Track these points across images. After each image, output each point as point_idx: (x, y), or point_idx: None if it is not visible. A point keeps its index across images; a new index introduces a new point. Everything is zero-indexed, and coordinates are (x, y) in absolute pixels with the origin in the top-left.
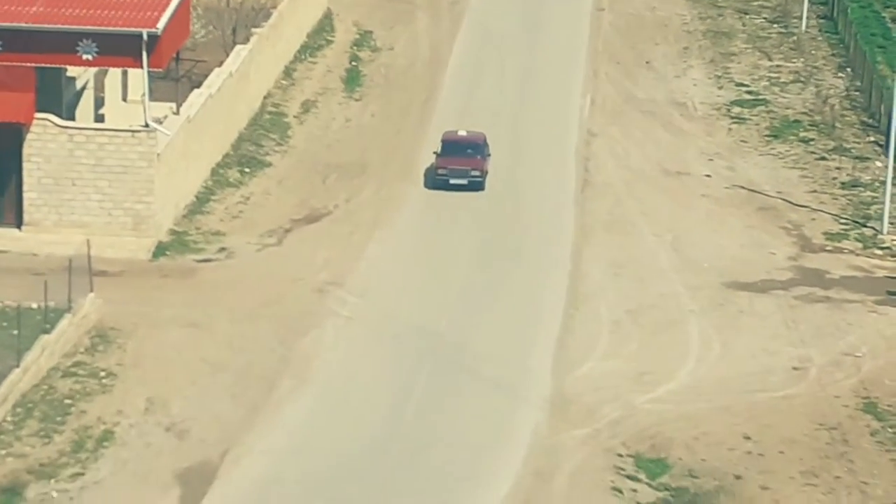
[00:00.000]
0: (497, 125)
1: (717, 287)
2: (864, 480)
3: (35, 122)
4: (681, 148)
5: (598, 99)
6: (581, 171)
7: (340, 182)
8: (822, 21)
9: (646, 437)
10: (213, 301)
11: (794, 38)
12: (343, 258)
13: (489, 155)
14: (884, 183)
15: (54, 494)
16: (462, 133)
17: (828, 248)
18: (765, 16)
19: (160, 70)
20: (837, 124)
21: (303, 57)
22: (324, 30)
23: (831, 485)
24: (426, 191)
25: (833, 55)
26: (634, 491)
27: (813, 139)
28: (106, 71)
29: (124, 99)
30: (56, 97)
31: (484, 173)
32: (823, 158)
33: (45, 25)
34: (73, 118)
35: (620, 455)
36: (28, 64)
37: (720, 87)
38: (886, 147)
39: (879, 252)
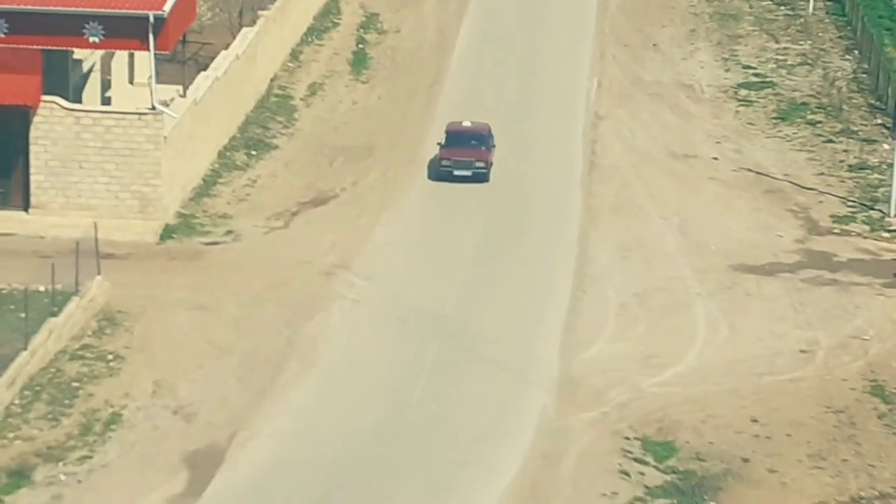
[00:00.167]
0: (503, 108)
1: (725, 270)
2: (872, 463)
3: (42, 104)
4: (688, 130)
5: (604, 81)
6: (588, 154)
7: (347, 165)
8: (829, 3)
9: (653, 420)
10: (220, 284)
11: (802, 20)
12: (350, 241)
13: (494, 146)
14: (891, 165)
15: (62, 477)
16: (466, 124)
17: (835, 230)
18: None
19: (167, 53)
20: (845, 107)
21: (309, 39)
22: (330, 12)
23: (839, 467)
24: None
25: (840, 37)
26: (642, 474)
27: (820, 122)
28: (112, 53)
29: (131, 81)
30: (63, 80)
31: (488, 165)
32: (831, 141)
33: (52, 8)
34: (79, 101)
35: (628, 438)
36: (35, 46)
37: (727, 70)
38: (894, 129)
39: (887, 235)
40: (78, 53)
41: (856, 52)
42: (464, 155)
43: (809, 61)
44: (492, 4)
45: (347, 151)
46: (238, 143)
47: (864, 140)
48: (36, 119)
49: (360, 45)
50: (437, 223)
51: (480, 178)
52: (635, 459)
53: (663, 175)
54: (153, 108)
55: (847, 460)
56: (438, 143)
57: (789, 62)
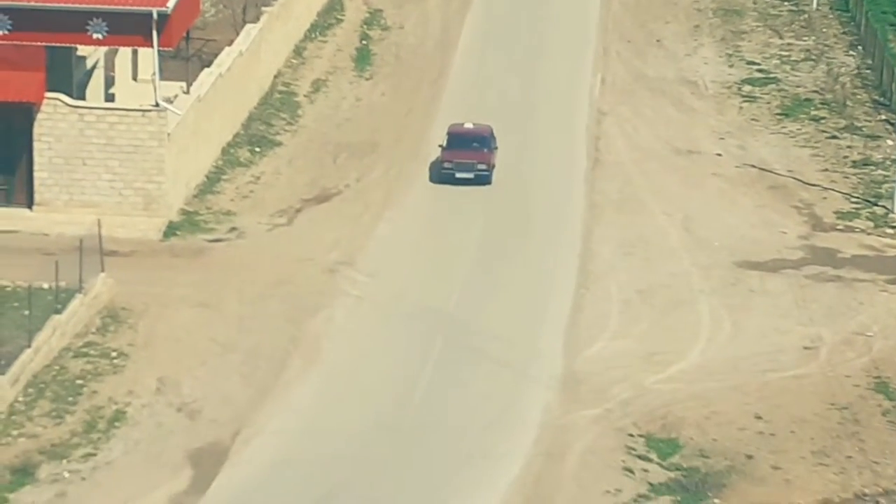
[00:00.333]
0: (506, 104)
1: (728, 266)
2: (876, 460)
3: (45, 101)
4: (691, 127)
5: (608, 78)
6: (591, 150)
7: (351, 161)
8: None
9: (657, 416)
10: (223, 281)
11: (805, 15)
12: (353, 238)
13: (496, 148)
14: (895, 161)
15: (66, 475)
16: (468, 126)
17: (839, 227)
18: None
19: (170, 49)
20: (848, 103)
21: (313, 36)
22: (334, 8)
23: (842, 464)
24: None
25: (844, 33)
26: (645, 471)
27: (824, 118)
28: (116, 50)
29: (134, 78)
30: (66, 76)
31: (491, 167)
32: (834, 137)
33: (56, 4)
34: (83, 98)
35: (631, 435)
36: (38, 43)
37: (731, 66)
38: None
39: (890, 231)
40: (81, 50)
41: (860, 47)
42: (466, 157)
43: (813, 57)
44: (495, 1)
45: (351, 148)
46: (241, 140)
47: (868, 136)
48: (39, 116)
49: (364, 42)
50: (440, 220)
51: (482, 180)
52: (639, 456)
53: (667, 171)
54: (157, 104)
55: (851, 457)
56: (440, 146)
57: (793, 58)
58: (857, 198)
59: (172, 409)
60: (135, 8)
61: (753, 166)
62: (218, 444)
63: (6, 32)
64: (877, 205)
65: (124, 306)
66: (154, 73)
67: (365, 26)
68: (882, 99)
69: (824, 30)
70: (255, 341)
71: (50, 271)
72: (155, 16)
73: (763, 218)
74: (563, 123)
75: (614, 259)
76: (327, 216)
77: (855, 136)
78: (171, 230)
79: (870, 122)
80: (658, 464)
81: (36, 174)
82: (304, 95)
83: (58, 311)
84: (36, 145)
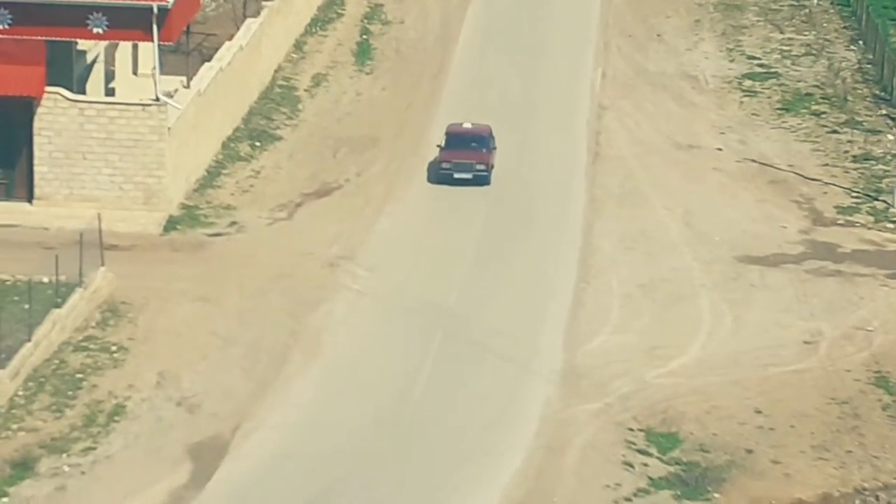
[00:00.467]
0: (507, 99)
1: (729, 261)
2: (875, 454)
3: (46, 95)
4: (692, 121)
5: (609, 72)
6: (592, 145)
7: (351, 156)
8: None
9: (657, 411)
10: (223, 275)
11: (806, 10)
12: (354, 232)
13: (495, 148)
14: (895, 156)
15: (66, 469)
16: (467, 125)
17: (839, 221)
18: None
19: (171, 43)
20: (849, 97)
21: (313, 30)
22: (334, 3)
23: (842, 459)
24: None
25: (845, 28)
26: (645, 465)
27: (825, 112)
28: (116, 44)
29: (135, 72)
30: (66, 71)
31: (489, 167)
32: (835, 132)
33: None
34: (83, 92)
35: (632, 429)
36: (38, 37)
37: (732, 60)
38: None
39: (891, 226)
40: (82, 44)
41: (860, 42)
42: (464, 157)
43: (814, 52)
44: None
45: (351, 142)
46: (242, 134)
47: (868, 131)
48: (40, 110)
49: (364, 36)
50: (440, 214)
51: (481, 181)
52: (639, 451)
53: (668, 166)
54: (157, 99)
55: (851, 451)
56: (438, 146)
57: (794, 53)
58: (858, 192)
59: (172, 404)
60: (135, 2)
61: (754, 161)
62: (218, 438)
63: (6, 27)
64: (877, 199)
65: (124, 300)
66: (154, 68)
67: (365, 21)
68: (883, 94)
69: (825, 24)
70: (256, 335)
71: (50, 265)
72: (155, 10)
73: (764, 212)
74: (563, 118)
75: (615, 253)
76: (328, 210)
77: (855, 131)
78: (171, 224)
79: (870, 116)
80: (658, 458)
81: (36, 168)
82: (305, 90)
83: (58, 305)
84: (36, 139)
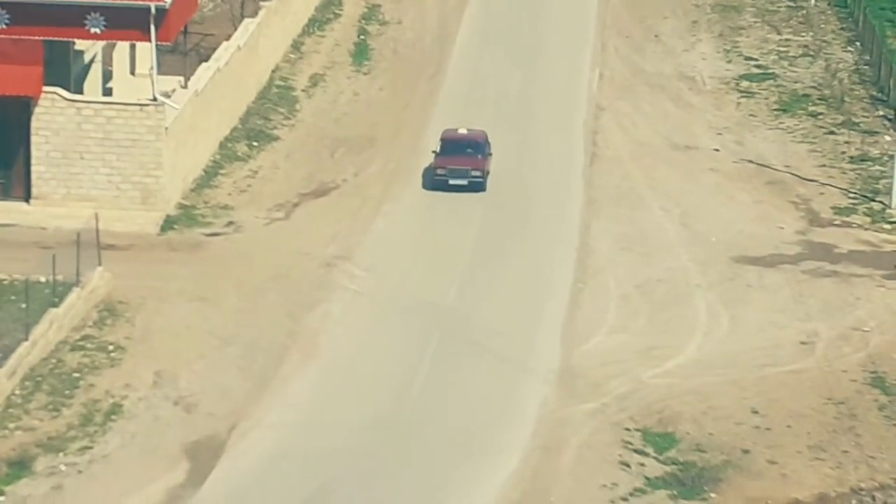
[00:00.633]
0: (505, 99)
1: (726, 261)
2: (872, 455)
3: (43, 95)
4: (689, 122)
5: (606, 73)
6: (589, 145)
7: (348, 156)
8: None
9: (653, 411)
10: (220, 275)
11: (804, 11)
12: (351, 232)
13: (490, 154)
14: (892, 157)
15: (63, 468)
16: (462, 131)
17: (836, 222)
18: None
19: (168, 44)
20: (846, 98)
21: (311, 30)
22: (332, 3)
23: (839, 459)
24: None
25: (842, 29)
26: (642, 465)
27: (822, 113)
28: (114, 44)
29: (132, 72)
30: (64, 71)
31: (485, 173)
32: (832, 133)
33: None
34: (81, 92)
35: (628, 429)
36: (36, 37)
37: (729, 61)
38: (895, 121)
39: (888, 226)
40: (79, 44)
41: (857, 43)
42: (459, 163)
43: (811, 53)
44: None
45: (349, 142)
46: (239, 134)
47: (865, 132)
48: (37, 110)
49: (362, 37)
50: (438, 214)
51: (476, 187)
52: (635, 450)
53: (664, 166)
54: (154, 99)
55: (847, 452)
56: (433, 152)
57: (791, 54)
58: (855, 193)
59: (169, 403)
60: (133, 2)
61: (751, 161)
62: (215, 437)
63: (4, 26)
64: (874, 200)
65: (121, 300)
66: (152, 68)
67: (363, 21)
68: (880, 95)
69: (822, 26)
70: (253, 335)
71: (47, 265)
72: (153, 10)
73: (760, 213)
74: (561, 118)
75: (612, 254)
76: (325, 210)
77: (852, 132)
78: (168, 224)
79: (867, 117)
80: (654, 458)
81: (33, 168)
82: (302, 90)
83: (55, 305)
84: (33, 139)
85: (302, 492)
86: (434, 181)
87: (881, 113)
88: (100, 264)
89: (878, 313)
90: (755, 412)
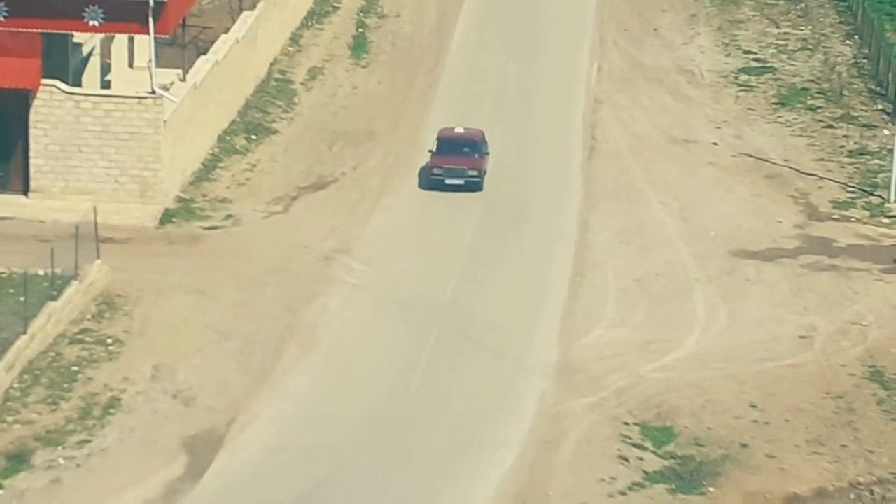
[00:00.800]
0: (504, 93)
1: (724, 255)
2: (870, 449)
3: (41, 88)
4: (688, 115)
5: (605, 66)
6: (588, 139)
7: (347, 149)
8: None
9: (652, 405)
10: (219, 268)
11: (802, 5)
12: (349, 226)
13: (487, 153)
14: (891, 151)
15: (61, 461)
16: (459, 130)
17: (835, 216)
18: None
19: (167, 36)
20: (845, 92)
21: (309, 23)
22: None
23: (837, 453)
24: None
25: (841, 23)
26: (640, 459)
27: (820, 107)
28: (112, 37)
29: (131, 65)
30: (62, 63)
31: (482, 173)
32: (831, 126)
33: None
34: (79, 84)
35: (626, 423)
36: (34, 30)
37: (727, 55)
38: (894, 115)
39: (886, 221)
40: (78, 37)
41: (856, 37)
42: (456, 163)
43: (810, 46)
44: None
45: (347, 136)
46: (238, 128)
47: (864, 125)
48: (36, 103)
49: (361, 30)
50: (436, 208)
51: (473, 187)
52: (634, 445)
53: (663, 160)
54: (153, 92)
55: (845, 446)
56: (430, 151)
57: (790, 47)
58: (853, 187)
59: (168, 396)
60: None
61: (749, 155)
62: (213, 431)
63: (2, 19)
64: (872, 194)
65: (120, 293)
66: (150, 61)
67: (361, 14)
68: (878, 88)
69: (821, 19)
70: (251, 328)
71: (46, 258)
72: (151, 3)
73: (759, 207)
74: (559, 112)
75: (610, 247)
76: (323, 204)
77: (851, 126)
78: (166, 217)
79: (866, 111)
80: (653, 452)
81: (32, 161)
82: (301, 83)
83: (53, 298)
84: (32, 132)
85: (301, 485)
86: (430, 181)
87: (880, 107)
88: (98, 257)
89: (876, 307)
90: (753, 406)
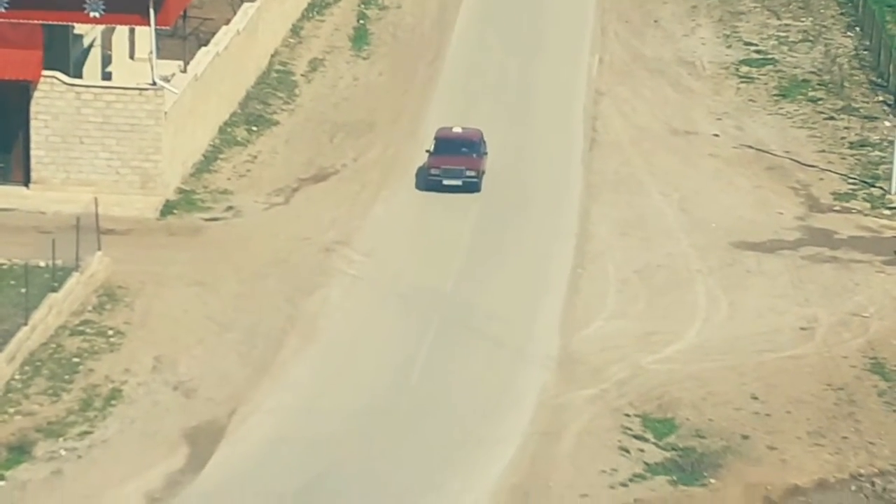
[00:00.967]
0: (504, 84)
1: (725, 247)
2: (871, 440)
3: (42, 79)
4: (689, 107)
5: (606, 58)
6: (589, 131)
7: (348, 141)
8: None
9: (653, 396)
10: (220, 260)
11: None
12: (350, 217)
13: (486, 153)
14: (892, 143)
15: (62, 452)
16: (457, 130)
17: (836, 208)
18: None
19: (167, 28)
20: (846, 84)
21: (310, 15)
22: None
23: (838, 445)
24: None
25: (842, 14)
26: (641, 451)
27: (821, 99)
28: (113, 28)
29: (132, 57)
30: (63, 55)
31: (480, 173)
32: (832, 118)
33: None
34: (80, 76)
35: (627, 415)
36: (35, 21)
37: (728, 46)
38: (895, 107)
39: (887, 212)
40: (79, 28)
41: (857, 28)
42: (453, 163)
43: (811, 38)
44: None
45: (348, 127)
46: (239, 119)
47: (865, 117)
48: (36, 94)
49: (361, 21)
50: (437, 200)
51: (471, 187)
52: (635, 436)
53: (664, 151)
54: (154, 83)
55: (847, 437)
56: (427, 151)
57: (791, 39)
58: (854, 179)
59: (169, 388)
60: None
61: (750, 147)
62: (214, 422)
63: (3, 10)
64: (874, 186)
65: (121, 285)
66: (151, 52)
67: (362, 6)
68: (879, 80)
69: (822, 11)
70: (252, 320)
71: (47, 249)
72: None
73: (760, 198)
74: (560, 103)
75: (611, 239)
76: (324, 195)
77: (852, 117)
78: (167, 209)
79: (867, 103)
80: (654, 444)
81: (33, 152)
82: (302, 75)
83: (54, 290)
84: (33, 123)
85: (301, 476)
86: (427, 181)
87: (881, 98)
88: (99, 249)
89: (877, 299)
90: (755, 398)
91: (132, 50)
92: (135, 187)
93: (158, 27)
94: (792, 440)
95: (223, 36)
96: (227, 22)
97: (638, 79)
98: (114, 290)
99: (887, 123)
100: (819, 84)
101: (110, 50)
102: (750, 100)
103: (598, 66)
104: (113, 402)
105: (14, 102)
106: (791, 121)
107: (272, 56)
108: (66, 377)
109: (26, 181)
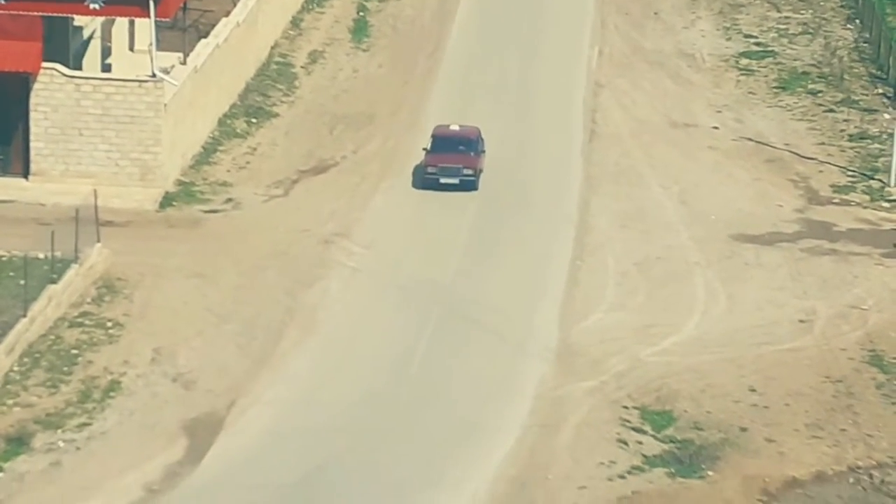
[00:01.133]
0: (505, 76)
1: (724, 239)
2: (869, 433)
3: (42, 71)
4: (688, 99)
5: (605, 50)
6: (588, 123)
7: (347, 133)
8: None
9: (651, 389)
10: (219, 252)
11: None
12: (350, 209)
13: (483, 151)
14: (892, 135)
15: (61, 444)
16: (454, 127)
17: (835, 200)
18: None
19: (167, 20)
20: (846, 76)
21: (310, 7)
22: None
23: (836, 437)
24: None
25: (842, 7)
26: (640, 443)
27: (821, 91)
28: (113, 20)
29: (131, 48)
30: (63, 46)
31: (477, 172)
32: (831, 111)
33: None
34: (80, 68)
35: (626, 407)
36: (35, 13)
37: (728, 39)
38: (895, 99)
39: (886, 205)
40: (78, 20)
41: (857, 21)
42: (451, 161)
43: (811, 31)
44: None
45: (348, 119)
46: (238, 111)
47: (864, 110)
48: (36, 86)
49: (361, 13)
50: (437, 192)
51: (468, 186)
52: (633, 428)
53: (664, 144)
54: (153, 75)
55: (845, 430)
56: (424, 149)
57: (790, 31)
58: (854, 171)
59: (168, 380)
60: None
61: (750, 139)
62: (213, 414)
63: (3, 2)
64: (873, 178)
65: (120, 276)
66: (151, 44)
67: None
68: (879, 73)
69: (822, 3)
70: (251, 312)
71: (46, 241)
72: None
73: (759, 191)
74: (560, 96)
75: (611, 231)
76: (324, 187)
77: (852, 110)
78: (167, 201)
79: (867, 95)
80: (652, 436)
81: (32, 144)
82: (301, 67)
83: (53, 281)
84: (32, 115)
85: (301, 468)
86: (424, 180)
87: (880, 91)
88: (98, 241)
89: (876, 291)
90: (753, 390)
91: (132, 42)
92: (134, 179)
93: (158, 19)
94: (790, 432)
95: (223, 28)
96: (227, 14)
97: (638, 71)
98: (113, 281)
99: (887, 116)
100: (819, 76)
101: (110, 42)
102: (749, 92)
103: (598, 58)
104: (112, 393)
105: (13, 94)
106: (791, 113)
107: (272, 48)
108: (65, 369)
109: (26, 173)
